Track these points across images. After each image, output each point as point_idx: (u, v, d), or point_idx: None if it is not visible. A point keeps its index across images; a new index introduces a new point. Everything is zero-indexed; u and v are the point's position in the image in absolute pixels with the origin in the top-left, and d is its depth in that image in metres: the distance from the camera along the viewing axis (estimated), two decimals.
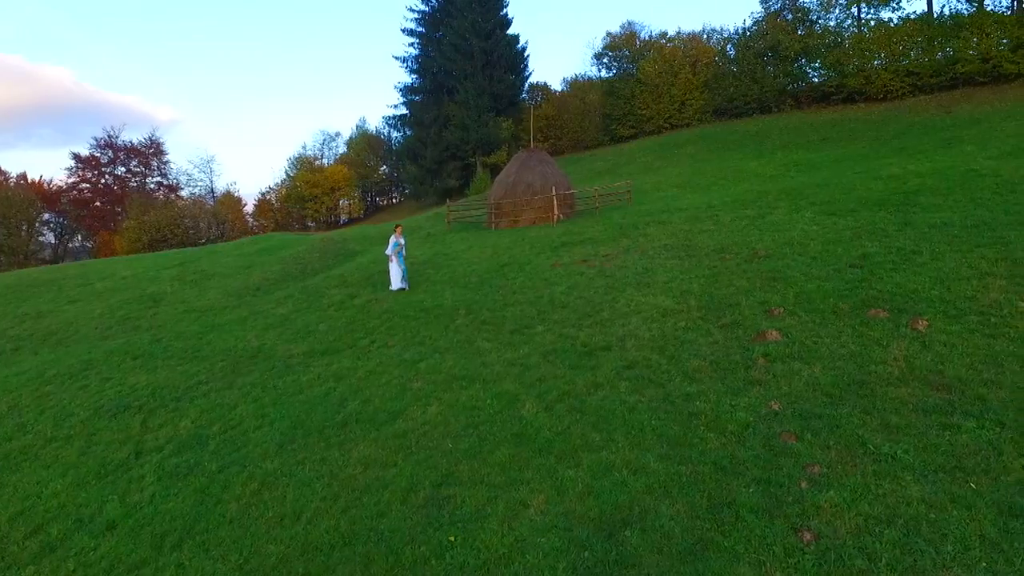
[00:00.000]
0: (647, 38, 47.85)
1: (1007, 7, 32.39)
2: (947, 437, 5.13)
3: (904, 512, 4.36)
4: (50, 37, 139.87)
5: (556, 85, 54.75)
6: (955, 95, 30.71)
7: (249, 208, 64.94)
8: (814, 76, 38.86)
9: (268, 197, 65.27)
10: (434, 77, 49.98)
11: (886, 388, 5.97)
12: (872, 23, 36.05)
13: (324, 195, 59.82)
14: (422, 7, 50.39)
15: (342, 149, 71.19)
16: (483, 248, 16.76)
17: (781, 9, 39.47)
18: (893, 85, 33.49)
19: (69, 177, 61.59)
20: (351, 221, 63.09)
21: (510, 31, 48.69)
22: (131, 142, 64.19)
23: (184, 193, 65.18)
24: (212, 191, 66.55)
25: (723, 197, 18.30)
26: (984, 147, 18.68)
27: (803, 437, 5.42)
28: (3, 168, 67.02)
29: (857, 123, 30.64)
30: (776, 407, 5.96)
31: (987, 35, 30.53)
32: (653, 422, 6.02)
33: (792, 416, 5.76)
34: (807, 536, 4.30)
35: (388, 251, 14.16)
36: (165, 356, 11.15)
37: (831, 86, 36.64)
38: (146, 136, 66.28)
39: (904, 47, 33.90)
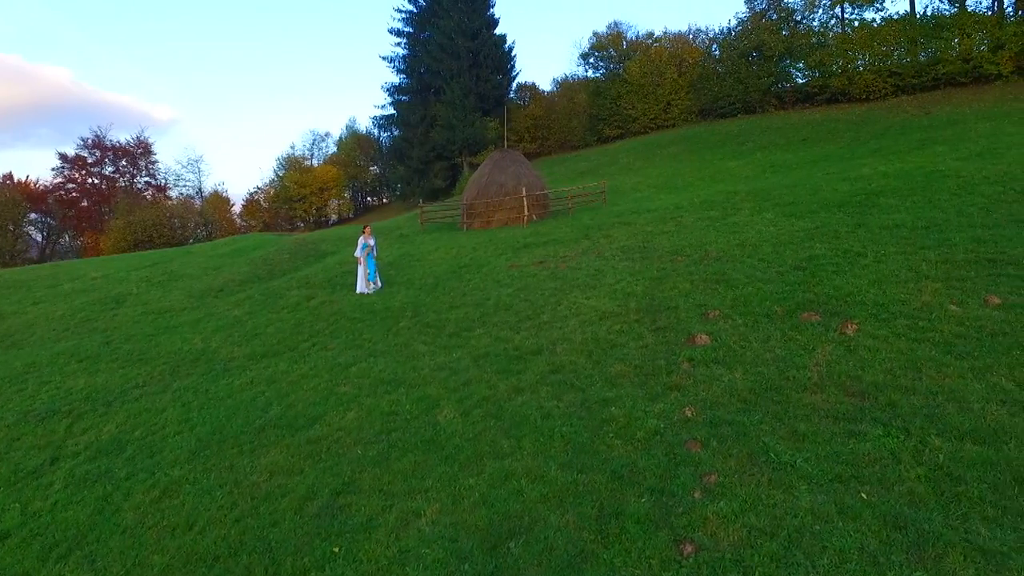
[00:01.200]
0: (633, 38, 47.77)
1: (988, 7, 32.39)
2: (851, 445, 5.00)
3: (789, 523, 4.24)
4: (48, 36, 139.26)
5: (545, 85, 54.57)
6: (936, 96, 30.65)
7: (238, 208, 64.75)
8: (798, 76, 38.80)
9: (256, 197, 65.05)
10: (421, 77, 49.85)
11: (801, 394, 5.85)
12: (856, 23, 35.98)
13: (312, 195, 59.67)
14: (409, 7, 50.27)
15: (332, 149, 71.06)
16: (449, 249, 16.63)
17: (766, 9, 39.41)
18: (876, 86, 33.43)
19: (55, 177, 61.31)
20: (341, 221, 62.93)
21: (497, 31, 48.60)
22: (119, 142, 63.96)
23: (173, 193, 65.00)
24: (200, 191, 66.35)
25: (694, 198, 18.20)
26: (955, 148, 18.61)
27: (708, 445, 5.30)
28: None
29: (838, 123, 30.57)
30: (689, 413, 5.84)
31: (968, 36, 30.49)
32: (564, 428, 5.89)
33: (702, 423, 5.64)
34: (688, 548, 4.18)
35: (357, 253, 14.01)
36: (110, 359, 10.99)
37: (815, 86, 36.58)
38: (134, 136, 66.01)
39: (887, 48, 33.85)
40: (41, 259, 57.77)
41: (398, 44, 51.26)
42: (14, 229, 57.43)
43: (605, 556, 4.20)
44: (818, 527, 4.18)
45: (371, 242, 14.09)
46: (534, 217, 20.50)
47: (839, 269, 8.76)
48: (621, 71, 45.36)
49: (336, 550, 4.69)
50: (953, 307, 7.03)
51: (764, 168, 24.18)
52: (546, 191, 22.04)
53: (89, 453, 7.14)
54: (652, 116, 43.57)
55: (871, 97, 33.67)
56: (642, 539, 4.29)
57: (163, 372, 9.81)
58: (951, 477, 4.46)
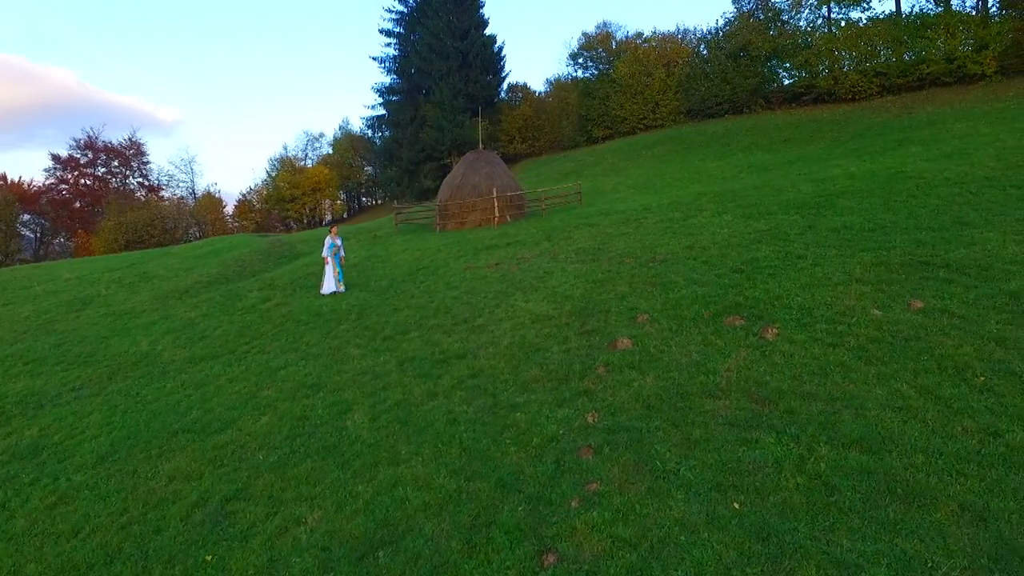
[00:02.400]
0: (623, 39, 47.65)
1: (972, 7, 32.23)
2: (740, 453, 4.92)
3: (654, 534, 4.15)
4: (52, 38, 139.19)
5: (538, 86, 54.57)
6: (920, 96, 30.51)
7: (230, 209, 64.70)
8: (785, 77, 38.66)
9: (249, 198, 65.03)
10: (411, 78, 49.80)
11: (704, 400, 5.77)
12: (842, 23, 35.81)
13: (305, 196, 59.61)
14: (399, 7, 50.24)
15: (326, 150, 70.93)
16: (414, 251, 16.57)
17: (753, 9, 39.27)
18: (862, 86, 33.28)
19: (48, 178, 61.37)
20: (334, 222, 62.85)
21: (487, 32, 48.50)
22: (111, 142, 63.93)
23: (165, 194, 64.98)
24: (193, 191, 66.34)
25: (664, 199, 18.12)
26: (928, 148, 18.49)
27: (601, 451, 5.21)
28: None
29: (821, 124, 30.44)
30: (591, 419, 5.76)
31: (952, 35, 30.33)
32: (466, 434, 5.81)
33: (601, 429, 5.56)
34: (549, 559, 4.10)
35: (324, 253, 13.96)
36: (56, 361, 10.94)
37: (801, 87, 36.45)
38: (126, 137, 65.98)
39: (873, 47, 33.70)
40: (36, 259, 57.83)
41: (388, 45, 51.32)
42: (7, 229, 57.54)
43: (467, 567, 4.13)
44: (683, 538, 4.09)
45: (338, 242, 14.03)
46: (507, 218, 20.42)
47: (775, 272, 8.68)
48: (610, 71, 45.22)
49: (209, 558, 4.63)
50: (875, 311, 6.94)
51: (742, 169, 24.07)
52: (520, 192, 21.97)
53: (4, 458, 7.08)
54: (640, 116, 43.42)
55: (857, 97, 33.53)
56: (507, 549, 4.22)
57: (103, 375, 9.76)
58: (827, 486, 4.38)
